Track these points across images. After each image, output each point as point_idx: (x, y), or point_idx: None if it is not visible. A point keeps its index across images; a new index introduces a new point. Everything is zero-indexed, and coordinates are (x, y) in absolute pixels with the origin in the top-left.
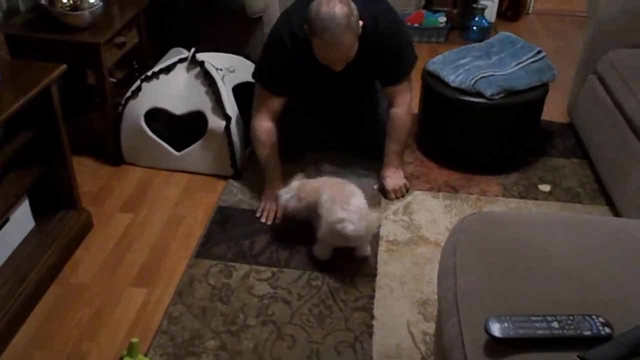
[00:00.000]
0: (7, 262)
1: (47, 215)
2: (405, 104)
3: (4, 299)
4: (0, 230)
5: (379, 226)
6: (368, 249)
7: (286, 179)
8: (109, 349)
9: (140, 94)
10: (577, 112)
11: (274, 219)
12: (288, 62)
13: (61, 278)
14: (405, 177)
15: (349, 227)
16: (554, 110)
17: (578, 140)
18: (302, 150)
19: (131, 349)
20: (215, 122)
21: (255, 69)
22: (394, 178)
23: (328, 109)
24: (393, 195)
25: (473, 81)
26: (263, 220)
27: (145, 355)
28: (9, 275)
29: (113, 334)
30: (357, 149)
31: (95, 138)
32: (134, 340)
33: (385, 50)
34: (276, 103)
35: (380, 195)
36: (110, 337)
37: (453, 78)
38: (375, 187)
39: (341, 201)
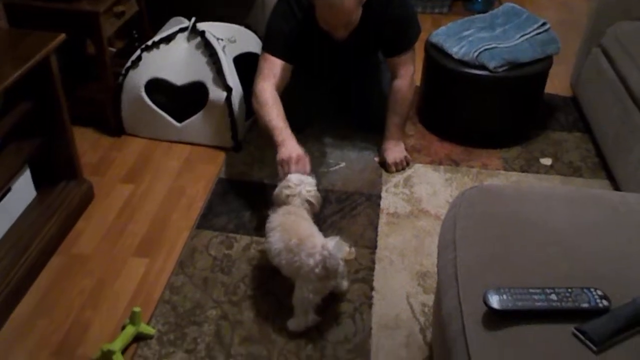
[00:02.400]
0: (10, 231)
1: (49, 186)
2: (407, 75)
3: (6, 269)
4: (2, 200)
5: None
6: (345, 284)
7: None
8: (112, 318)
9: (141, 64)
10: (580, 85)
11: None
12: (295, 29)
13: (63, 248)
14: (406, 150)
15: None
16: (557, 84)
17: (581, 114)
18: (302, 124)
19: (133, 318)
20: (216, 93)
21: (263, 41)
22: (394, 151)
23: (330, 81)
24: (393, 169)
25: (476, 53)
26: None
27: (148, 324)
28: (11, 245)
29: (115, 303)
30: (358, 122)
31: (96, 109)
32: (136, 309)
33: (390, 20)
34: (280, 69)
35: (381, 168)
36: (113, 307)
37: (456, 50)
38: (376, 159)
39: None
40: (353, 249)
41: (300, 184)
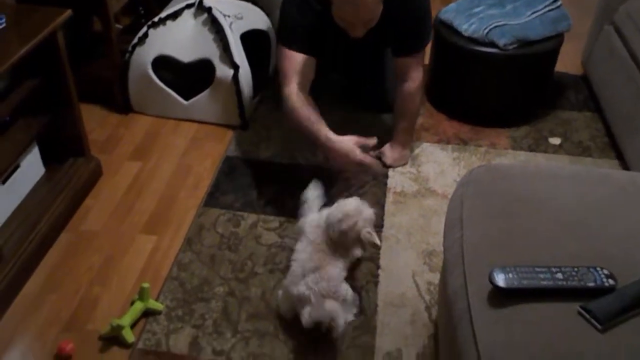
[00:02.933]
0: (19, 208)
1: (57, 163)
2: (417, 79)
3: (16, 245)
4: (11, 176)
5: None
6: (339, 330)
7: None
8: (120, 293)
9: (147, 40)
10: (591, 63)
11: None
12: (313, 23)
13: (72, 225)
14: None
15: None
16: (568, 62)
17: (591, 93)
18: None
19: (142, 294)
20: (223, 71)
21: (278, 31)
22: (398, 160)
23: (336, 67)
24: (391, 165)
25: (486, 30)
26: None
27: (156, 300)
28: (20, 221)
29: (124, 279)
30: (365, 102)
31: (103, 86)
32: (145, 285)
33: (406, 18)
34: (303, 65)
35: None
36: (121, 283)
37: (466, 27)
38: (374, 153)
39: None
40: (372, 210)
41: (358, 214)
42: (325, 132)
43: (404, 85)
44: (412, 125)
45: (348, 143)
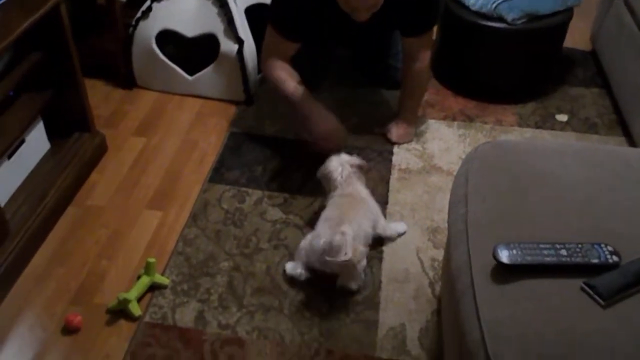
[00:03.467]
0: (25, 183)
1: (62, 138)
2: (426, 59)
3: (23, 218)
4: (17, 151)
5: (359, 263)
6: (353, 285)
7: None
8: (127, 267)
9: (151, 14)
10: (600, 39)
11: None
12: (306, 6)
13: (78, 200)
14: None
15: (320, 242)
16: (577, 37)
17: (599, 69)
18: (318, 79)
19: (148, 268)
20: (228, 46)
21: (270, 10)
22: (402, 136)
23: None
24: (396, 141)
25: (494, 5)
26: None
27: (162, 274)
28: (26, 196)
29: (130, 254)
30: (371, 78)
31: (107, 60)
32: (151, 259)
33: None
34: (290, 48)
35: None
36: (128, 257)
37: (473, 1)
38: (377, 130)
39: (333, 223)
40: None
41: (341, 165)
42: (310, 106)
43: (411, 65)
44: (418, 104)
45: (331, 124)
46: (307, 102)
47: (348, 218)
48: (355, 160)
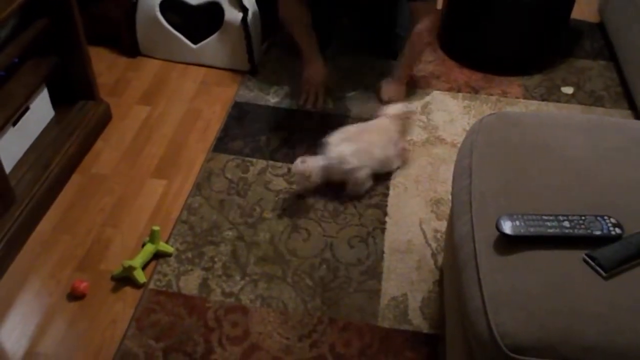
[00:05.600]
0: (29, 150)
1: (66, 106)
2: (429, 21)
3: (28, 185)
4: (21, 118)
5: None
6: (360, 189)
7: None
8: (132, 235)
9: None
10: (608, 11)
11: (315, 103)
12: None
13: (82, 168)
14: (424, 77)
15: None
16: (584, 9)
17: (607, 41)
18: (320, 46)
19: (153, 236)
20: (232, 14)
21: None
22: (393, 94)
23: (347, 4)
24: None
25: None
26: (308, 106)
27: (166, 242)
28: (32, 163)
29: (135, 221)
30: (377, 49)
31: (111, 28)
32: (155, 227)
33: None
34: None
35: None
36: (132, 225)
37: None
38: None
39: (352, 135)
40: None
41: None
42: (309, 54)
43: (415, 26)
44: (412, 63)
45: (319, 76)
46: (306, 48)
47: (357, 138)
48: (403, 108)
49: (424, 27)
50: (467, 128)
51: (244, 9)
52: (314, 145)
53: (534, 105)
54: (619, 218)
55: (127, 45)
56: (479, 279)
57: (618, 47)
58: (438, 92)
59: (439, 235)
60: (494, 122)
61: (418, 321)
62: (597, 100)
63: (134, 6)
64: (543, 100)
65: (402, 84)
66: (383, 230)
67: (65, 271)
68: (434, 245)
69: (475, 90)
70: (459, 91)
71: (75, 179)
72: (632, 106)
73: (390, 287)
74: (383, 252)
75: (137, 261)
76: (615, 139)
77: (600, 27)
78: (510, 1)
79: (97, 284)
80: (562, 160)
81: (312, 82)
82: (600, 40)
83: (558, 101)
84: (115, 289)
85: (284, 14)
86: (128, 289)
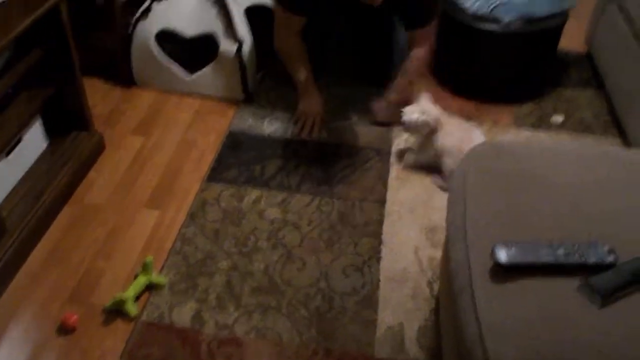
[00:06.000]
0: (22, 181)
1: (60, 136)
2: (426, 47)
3: (19, 217)
4: (14, 149)
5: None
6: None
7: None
8: (124, 267)
9: (151, 14)
10: (595, 41)
11: (311, 132)
12: None
13: (75, 198)
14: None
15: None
16: (572, 39)
17: (595, 71)
18: (315, 76)
19: (145, 267)
20: (227, 45)
21: None
22: (386, 114)
23: (342, 36)
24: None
25: (491, 7)
26: (303, 136)
27: (159, 274)
28: (24, 194)
29: (127, 253)
30: (371, 77)
31: (106, 59)
32: (148, 258)
33: None
34: (297, 22)
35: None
36: (125, 256)
37: (470, 4)
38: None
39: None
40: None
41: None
42: (305, 88)
43: (413, 51)
44: (406, 85)
45: (315, 108)
46: (302, 79)
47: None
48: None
49: (421, 52)
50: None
51: (239, 41)
52: (309, 174)
53: (525, 133)
54: (612, 245)
55: (122, 76)
56: (474, 307)
57: (605, 77)
58: None
59: (434, 263)
60: (487, 150)
61: (415, 351)
62: (587, 129)
63: (129, 37)
64: (534, 128)
65: (395, 104)
66: (378, 259)
67: (56, 304)
68: (429, 273)
69: (468, 118)
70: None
71: (68, 209)
72: (621, 134)
73: (386, 317)
74: (379, 281)
75: (129, 293)
76: (606, 167)
77: (588, 57)
78: (500, 32)
79: (88, 317)
80: (554, 188)
81: (308, 112)
82: (588, 69)
83: (549, 129)
84: (106, 322)
85: (279, 45)
86: (119, 322)
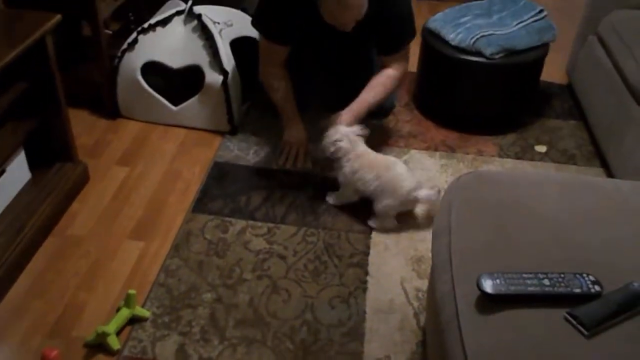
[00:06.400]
0: (4, 213)
1: (44, 168)
2: (399, 69)
3: (1, 249)
4: None
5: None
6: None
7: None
8: (107, 299)
9: (137, 46)
10: (576, 73)
11: (296, 163)
12: (288, 9)
13: (58, 230)
14: (402, 137)
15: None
16: (553, 71)
17: (576, 102)
18: (300, 108)
19: (128, 300)
20: (212, 77)
21: (254, 15)
22: (338, 118)
23: (325, 66)
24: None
25: (473, 40)
26: (288, 166)
27: (143, 306)
28: (5, 227)
29: (110, 285)
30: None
31: (92, 91)
32: (131, 291)
33: (390, 17)
34: (280, 52)
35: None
36: (108, 289)
37: (453, 36)
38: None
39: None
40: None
41: (344, 135)
42: (290, 118)
43: (385, 70)
44: (369, 100)
45: (299, 136)
46: (287, 110)
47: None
48: (356, 130)
49: (393, 72)
50: (445, 186)
51: (225, 72)
52: (294, 205)
53: (509, 164)
54: (597, 275)
55: (108, 107)
56: (461, 339)
57: (586, 108)
58: (415, 151)
59: (420, 294)
60: (471, 181)
61: None
62: (570, 159)
63: (115, 69)
64: (518, 158)
65: (352, 115)
66: (364, 290)
67: (36, 338)
68: (415, 304)
69: (451, 149)
70: (435, 150)
71: (50, 241)
72: (603, 164)
73: (372, 349)
74: (365, 313)
75: (111, 327)
76: (589, 197)
77: (569, 89)
78: (482, 64)
79: (69, 352)
80: (538, 218)
81: (293, 142)
82: (569, 100)
83: (532, 159)
84: (87, 357)
85: (264, 77)
86: (101, 356)
